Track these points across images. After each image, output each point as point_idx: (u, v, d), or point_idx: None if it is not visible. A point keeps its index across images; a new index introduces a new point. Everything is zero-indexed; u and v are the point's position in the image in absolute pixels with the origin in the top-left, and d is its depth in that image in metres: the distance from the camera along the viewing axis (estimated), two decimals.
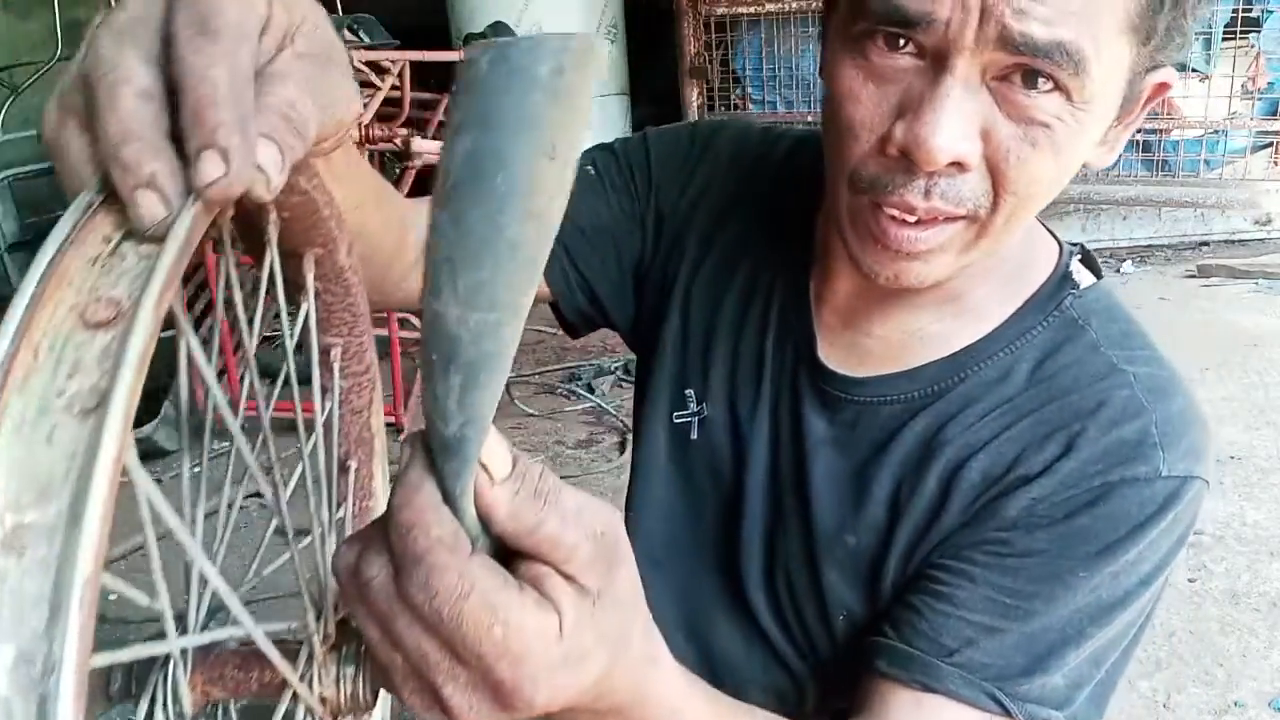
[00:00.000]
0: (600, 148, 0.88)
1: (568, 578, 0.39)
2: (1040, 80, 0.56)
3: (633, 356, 0.94)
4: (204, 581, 0.49)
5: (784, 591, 0.79)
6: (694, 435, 0.83)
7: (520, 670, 0.38)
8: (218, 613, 0.52)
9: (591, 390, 3.36)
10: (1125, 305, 0.74)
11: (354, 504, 0.68)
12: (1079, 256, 0.75)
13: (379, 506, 0.70)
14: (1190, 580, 2.05)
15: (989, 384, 0.71)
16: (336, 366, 0.63)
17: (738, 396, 0.81)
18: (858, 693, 0.70)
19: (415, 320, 3.74)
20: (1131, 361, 0.69)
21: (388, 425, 3.17)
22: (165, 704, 0.47)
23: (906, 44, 0.57)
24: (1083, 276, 0.73)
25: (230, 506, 0.56)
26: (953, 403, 0.71)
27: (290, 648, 0.49)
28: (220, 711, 0.52)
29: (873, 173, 0.61)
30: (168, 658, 0.47)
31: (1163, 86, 0.63)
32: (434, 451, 0.37)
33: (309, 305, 0.56)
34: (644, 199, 0.86)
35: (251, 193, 0.35)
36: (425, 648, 0.38)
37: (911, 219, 0.60)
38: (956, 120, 0.56)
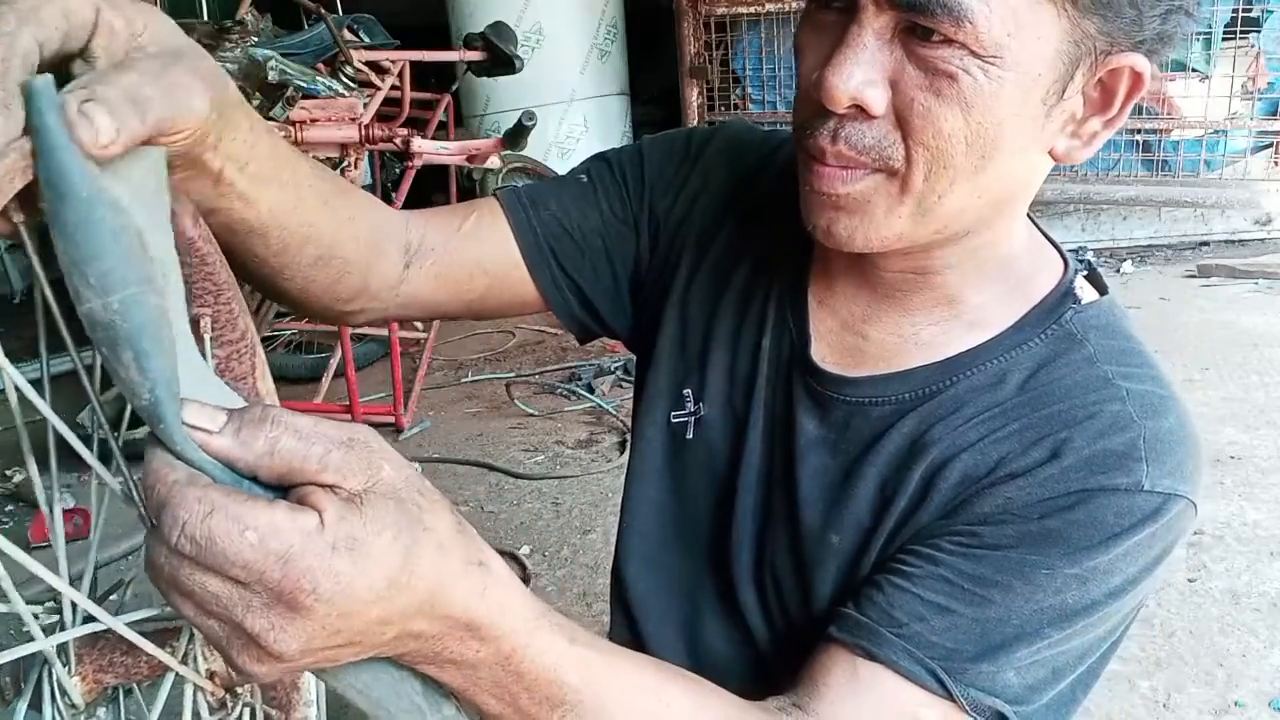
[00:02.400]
0: (596, 157, 0.89)
1: (329, 487, 0.41)
2: (933, 34, 0.58)
3: (634, 357, 0.94)
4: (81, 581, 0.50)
5: (771, 591, 0.79)
6: (689, 435, 0.83)
7: (290, 567, 0.40)
8: (105, 601, 0.53)
9: (591, 390, 3.36)
10: (1127, 322, 0.73)
11: None
12: (1084, 273, 0.75)
13: None
14: (1190, 580, 2.05)
15: (980, 389, 0.70)
16: (208, 337, 0.65)
17: (734, 396, 0.81)
18: (806, 661, 0.69)
19: (415, 320, 3.75)
20: (1127, 377, 0.68)
21: (388, 425, 3.18)
22: (54, 698, 0.48)
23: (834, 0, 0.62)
24: (1086, 293, 0.73)
25: (102, 500, 0.56)
26: (942, 405, 0.71)
27: (174, 630, 0.50)
28: (124, 695, 0.53)
29: (801, 118, 0.66)
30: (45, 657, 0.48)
31: (1138, 78, 0.62)
32: (150, 427, 0.40)
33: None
34: (636, 202, 0.86)
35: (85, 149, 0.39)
36: (210, 586, 0.40)
37: (827, 163, 0.64)
38: (858, 65, 0.60)
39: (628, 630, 0.90)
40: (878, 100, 0.60)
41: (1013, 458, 0.67)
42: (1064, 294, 0.72)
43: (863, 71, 0.60)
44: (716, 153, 0.86)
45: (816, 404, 0.76)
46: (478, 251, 0.82)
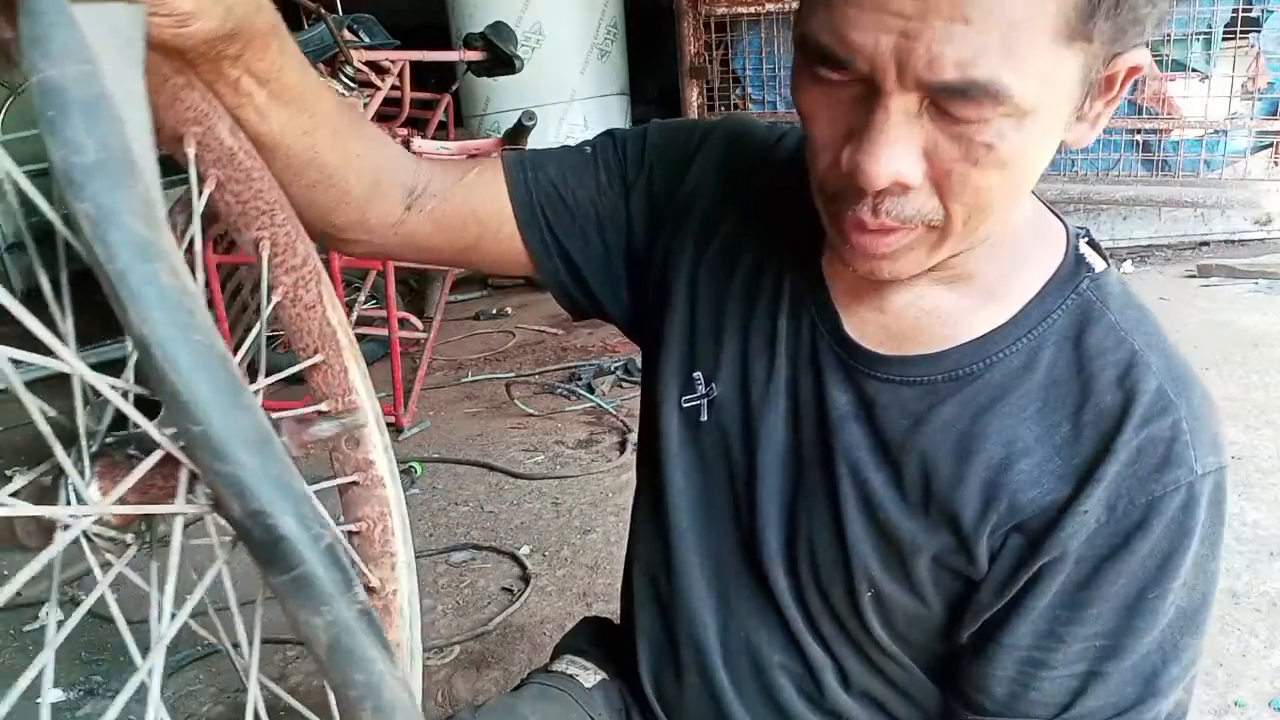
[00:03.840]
0: (604, 132, 0.90)
1: None
2: (969, 109, 0.57)
3: (633, 357, 0.94)
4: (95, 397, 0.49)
5: (806, 568, 0.79)
6: (704, 418, 0.83)
7: None
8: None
9: (591, 390, 3.36)
10: (1134, 289, 0.75)
11: (338, 401, 0.69)
12: (1085, 239, 0.76)
13: (363, 404, 0.70)
14: None
15: (1016, 372, 0.71)
16: (265, 258, 0.63)
17: (750, 375, 0.81)
18: None
19: (416, 320, 3.74)
20: (1152, 348, 0.70)
21: (388, 425, 3.17)
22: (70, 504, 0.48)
23: (848, 73, 0.60)
24: (1094, 260, 0.74)
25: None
26: (983, 391, 0.72)
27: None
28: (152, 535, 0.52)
29: (833, 187, 0.65)
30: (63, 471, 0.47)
31: (1136, 68, 0.63)
32: (83, 202, 0.37)
33: (201, 183, 0.59)
34: (633, 177, 0.87)
35: None
36: None
37: (867, 231, 0.64)
38: (894, 148, 0.59)
39: (659, 617, 0.90)
40: (915, 175, 0.61)
41: (1075, 460, 0.69)
42: (1076, 261, 0.73)
43: (900, 153, 0.59)
44: (718, 144, 0.87)
45: (848, 377, 0.76)
46: (474, 202, 0.84)
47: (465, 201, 0.84)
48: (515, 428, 3.18)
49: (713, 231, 0.84)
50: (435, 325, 3.78)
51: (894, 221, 0.63)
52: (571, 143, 0.91)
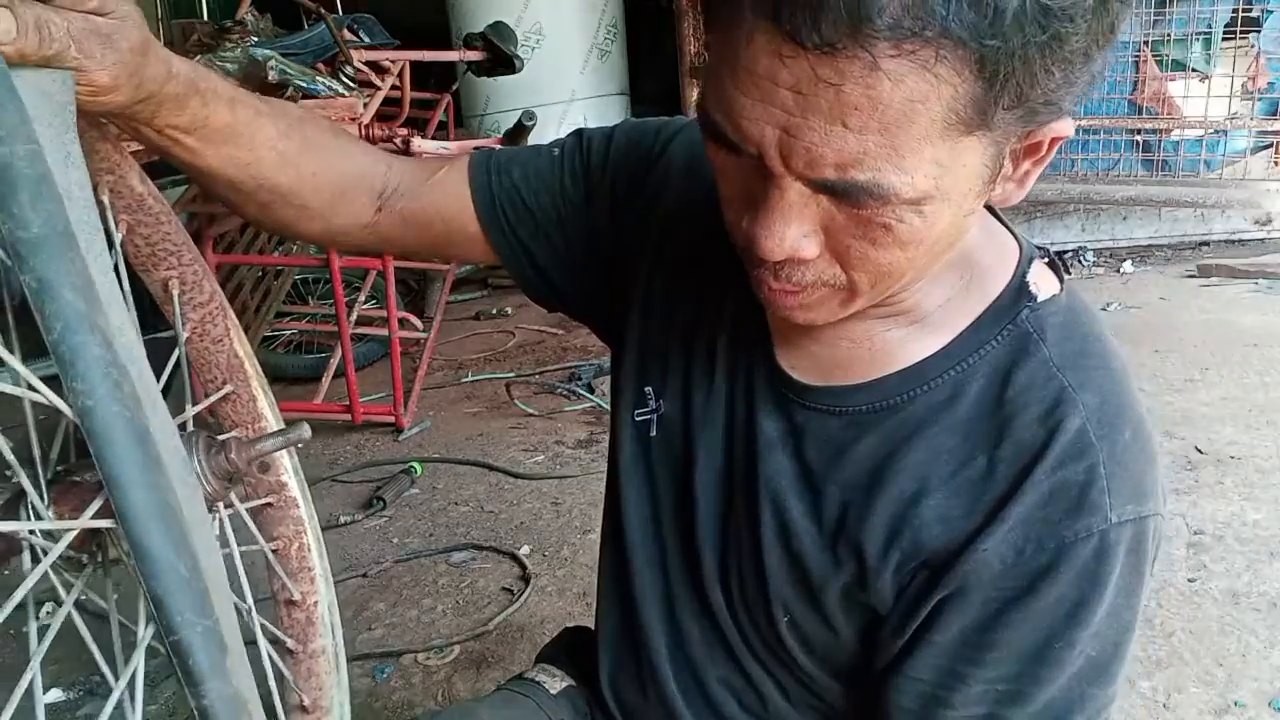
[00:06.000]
0: (574, 132, 0.90)
1: None
2: (855, 201, 0.56)
3: None
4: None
5: (736, 589, 0.79)
6: (653, 432, 0.83)
7: None
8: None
9: (591, 390, 3.36)
10: (1085, 316, 0.71)
11: (248, 429, 0.73)
12: (1045, 260, 0.73)
13: (270, 427, 0.74)
14: (1190, 580, 2.05)
15: (939, 405, 0.69)
16: (176, 296, 0.66)
17: (692, 393, 0.81)
18: None
19: (416, 320, 3.74)
20: (1083, 386, 0.67)
21: (388, 425, 3.18)
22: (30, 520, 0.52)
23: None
24: (1043, 285, 0.71)
25: None
26: (905, 424, 0.70)
27: None
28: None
29: (740, 245, 0.64)
30: (24, 494, 0.51)
31: (1060, 137, 0.60)
32: (30, 267, 0.41)
33: (119, 234, 0.62)
34: (596, 184, 0.86)
35: None
36: None
37: (773, 288, 0.64)
38: (788, 225, 0.58)
39: (619, 625, 0.90)
40: (812, 249, 0.59)
41: (983, 497, 0.67)
42: (1019, 290, 0.70)
43: (794, 229, 0.58)
44: (680, 150, 0.85)
45: (777, 405, 0.75)
46: (439, 201, 0.85)
47: (432, 201, 0.85)
48: (515, 428, 3.18)
49: (669, 240, 0.83)
50: (435, 325, 3.78)
51: (793, 286, 0.62)
52: None
